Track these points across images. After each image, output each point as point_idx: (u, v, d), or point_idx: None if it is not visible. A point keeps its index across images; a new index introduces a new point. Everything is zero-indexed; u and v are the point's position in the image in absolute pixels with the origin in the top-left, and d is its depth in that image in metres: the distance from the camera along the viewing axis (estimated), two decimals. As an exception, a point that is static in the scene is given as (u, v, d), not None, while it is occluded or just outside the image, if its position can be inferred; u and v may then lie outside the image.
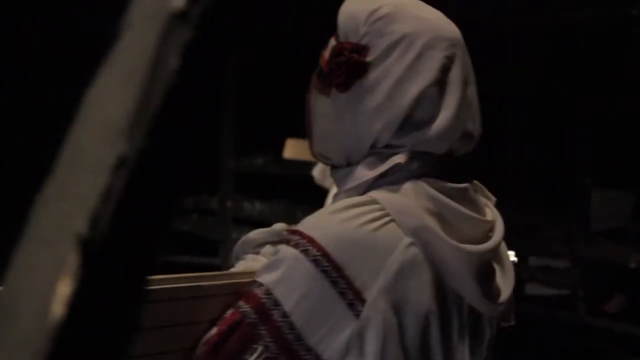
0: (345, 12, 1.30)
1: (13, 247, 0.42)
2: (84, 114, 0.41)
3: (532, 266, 5.92)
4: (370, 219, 1.21)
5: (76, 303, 0.39)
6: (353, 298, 1.19)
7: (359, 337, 1.19)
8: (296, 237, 1.21)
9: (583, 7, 5.60)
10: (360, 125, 1.27)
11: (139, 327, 0.41)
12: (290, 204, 6.19)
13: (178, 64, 0.40)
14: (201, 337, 1.21)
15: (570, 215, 5.82)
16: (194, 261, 6.01)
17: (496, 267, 1.32)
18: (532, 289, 5.93)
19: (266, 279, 1.20)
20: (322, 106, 1.31)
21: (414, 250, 1.22)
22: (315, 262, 1.19)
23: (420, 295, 1.23)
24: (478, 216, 1.29)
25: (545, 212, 6.11)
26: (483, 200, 1.35)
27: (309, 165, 4.11)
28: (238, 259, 1.38)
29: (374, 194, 1.24)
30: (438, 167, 1.28)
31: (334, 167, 1.34)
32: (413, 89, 1.25)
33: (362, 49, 1.27)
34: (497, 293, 1.30)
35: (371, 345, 1.19)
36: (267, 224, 1.44)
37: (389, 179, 1.26)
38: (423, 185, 1.24)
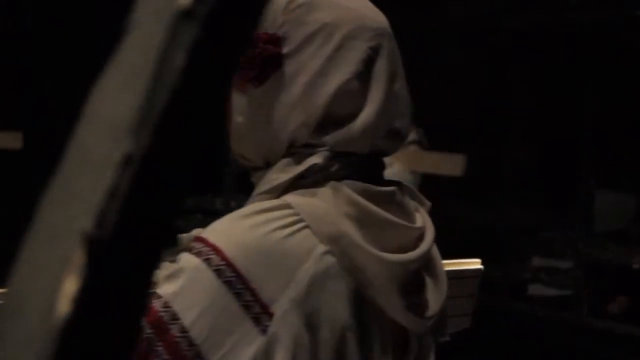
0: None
1: (18, 245, 0.42)
2: (90, 112, 0.41)
3: (535, 267, 5.92)
4: (281, 225, 1.11)
5: (82, 301, 0.39)
6: (259, 312, 1.08)
7: (266, 354, 1.08)
8: (199, 245, 1.10)
9: (585, 8, 5.59)
10: (275, 122, 1.17)
11: (142, 321, 0.41)
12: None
13: (184, 62, 0.40)
14: None
15: (574, 216, 5.82)
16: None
17: (427, 278, 1.22)
18: (534, 289, 5.93)
19: (165, 290, 1.08)
20: (238, 103, 1.21)
21: (330, 259, 1.12)
22: (218, 272, 1.08)
23: (336, 309, 1.12)
24: (405, 222, 1.18)
25: (548, 213, 6.11)
26: (413, 204, 1.24)
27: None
28: None
29: (288, 198, 1.14)
30: (362, 168, 1.18)
31: (254, 169, 1.24)
32: (332, 83, 1.16)
33: (278, 40, 1.16)
34: (425, 306, 1.19)
35: None
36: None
37: (307, 182, 1.15)
38: (343, 189, 1.14)
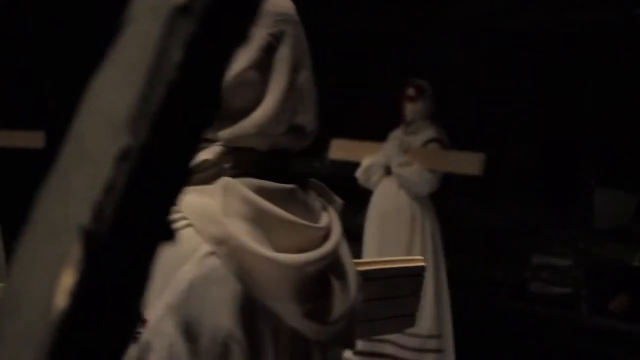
0: None
1: (16, 239, 0.42)
2: (88, 107, 0.41)
3: (535, 265, 5.92)
4: None
5: (79, 295, 0.39)
6: None
7: None
8: None
9: (585, 8, 5.59)
10: None
11: (139, 316, 0.41)
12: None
13: (181, 57, 0.40)
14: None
15: (574, 214, 5.83)
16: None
17: (333, 280, 1.12)
18: (535, 287, 5.93)
19: None
20: None
21: (214, 261, 1.03)
22: None
23: (219, 316, 1.02)
24: (305, 222, 1.10)
25: (549, 212, 6.11)
26: (320, 203, 1.16)
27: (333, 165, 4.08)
28: None
29: None
30: (260, 165, 1.10)
31: None
32: (227, 73, 1.11)
33: None
34: (328, 312, 1.10)
35: None
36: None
37: (198, 178, 1.08)
38: (237, 186, 1.06)
